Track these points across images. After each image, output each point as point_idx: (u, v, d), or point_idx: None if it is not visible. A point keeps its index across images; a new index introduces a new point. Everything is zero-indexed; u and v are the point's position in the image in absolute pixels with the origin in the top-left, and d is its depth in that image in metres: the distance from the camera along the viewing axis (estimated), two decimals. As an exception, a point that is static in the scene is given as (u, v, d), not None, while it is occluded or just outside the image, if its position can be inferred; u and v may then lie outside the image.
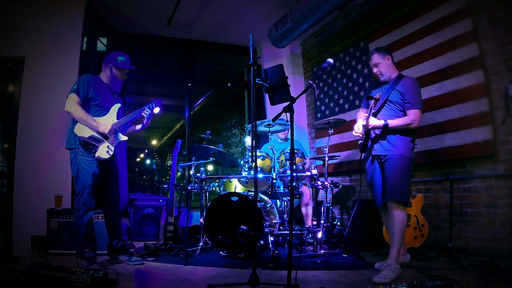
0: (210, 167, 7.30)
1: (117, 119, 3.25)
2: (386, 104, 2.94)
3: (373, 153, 2.98)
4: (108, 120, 3.19)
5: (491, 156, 3.33)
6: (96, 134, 3.09)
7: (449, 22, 3.64)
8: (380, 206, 2.99)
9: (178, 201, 4.52)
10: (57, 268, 2.44)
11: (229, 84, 6.55)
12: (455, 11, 3.60)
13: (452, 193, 3.38)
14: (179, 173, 7.41)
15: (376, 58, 3.01)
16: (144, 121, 3.36)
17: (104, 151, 3.12)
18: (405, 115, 2.89)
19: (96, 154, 3.09)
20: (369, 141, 3.00)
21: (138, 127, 3.48)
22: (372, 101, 2.89)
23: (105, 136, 3.14)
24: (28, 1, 4.26)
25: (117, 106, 3.29)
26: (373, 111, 2.93)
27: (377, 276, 2.63)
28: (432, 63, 3.82)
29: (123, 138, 3.30)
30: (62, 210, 3.71)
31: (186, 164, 4.85)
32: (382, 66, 2.99)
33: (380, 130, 2.89)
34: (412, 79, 2.96)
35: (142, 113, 3.32)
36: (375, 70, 3.02)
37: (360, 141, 3.03)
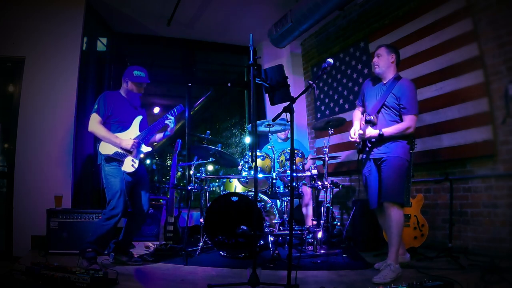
0: (210, 167, 7.30)
1: (140, 131, 3.32)
2: (382, 109, 2.95)
3: (370, 156, 2.99)
4: (131, 134, 3.27)
5: (491, 156, 3.33)
6: (120, 150, 3.19)
7: (449, 22, 3.64)
8: (375, 208, 2.99)
9: (178, 201, 4.52)
10: (57, 268, 2.44)
11: (229, 84, 6.55)
12: (455, 11, 3.60)
13: (452, 193, 3.38)
14: (179, 173, 7.41)
15: (381, 50, 3.03)
16: (169, 128, 3.39)
17: (129, 165, 3.20)
18: (401, 118, 2.91)
19: (122, 169, 3.18)
20: (366, 146, 3.03)
21: (159, 136, 3.50)
22: (364, 119, 2.97)
23: (129, 151, 3.21)
24: (28, 1, 4.26)
25: (138, 118, 3.36)
26: (368, 118, 2.96)
27: (377, 276, 2.63)
28: (432, 63, 3.82)
29: (147, 149, 3.35)
30: (62, 210, 3.71)
31: (186, 164, 4.86)
32: (383, 59, 3.00)
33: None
34: (409, 83, 2.94)
35: (166, 122, 3.36)
36: (375, 59, 3.04)
37: (356, 144, 3.05)
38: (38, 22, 4.27)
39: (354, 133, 3.02)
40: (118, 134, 3.24)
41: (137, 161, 3.25)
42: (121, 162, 3.20)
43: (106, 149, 3.19)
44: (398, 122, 2.91)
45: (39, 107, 4.15)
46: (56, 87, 4.23)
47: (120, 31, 5.66)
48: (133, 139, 3.23)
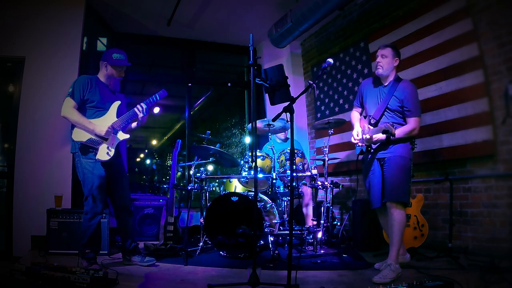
0: (210, 167, 7.30)
1: (117, 117, 3.16)
2: (385, 112, 2.95)
3: (374, 156, 2.99)
4: (107, 120, 3.11)
5: (491, 156, 3.33)
6: (94, 137, 3.04)
7: (449, 22, 3.64)
8: (377, 208, 2.99)
9: (178, 201, 4.52)
10: (57, 268, 2.44)
11: (229, 84, 6.55)
12: (455, 11, 3.60)
13: (452, 193, 3.38)
14: (179, 173, 7.41)
15: (387, 51, 2.98)
16: (139, 117, 3.19)
17: (104, 152, 3.05)
18: (404, 120, 2.92)
19: (97, 157, 3.04)
20: (371, 148, 3.03)
21: (134, 125, 3.34)
22: (368, 121, 2.99)
23: (104, 138, 3.08)
24: (28, 1, 4.26)
25: (116, 103, 3.19)
26: (373, 121, 2.96)
27: (377, 276, 2.63)
28: (432, 63, 3.81)
29: (124, 136, 3.19)
30: (62, 210, 3.70)
31: (186, 164, 4.86)
32: (387, 61, 2.97)
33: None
34: (411, 85, 2.94)
35: (135, 109, 3.16)
36: (378, 59, 2.99)
37: (358, 146, 3.05)
38: (38, 22, 4.26)
39: (357, 134, 3.01)
40: (94, 120, 3.07)
41: (112, 149, 3.08)
42: (95, 150, 3.04)
43: (79, 135, 3.02)
44: (401, 124, 2.92)
45: (39, 107, 4.14)
46: (56, 87, 4.22)
47: (120, 31, 5.66)
48: (109, 125, 3.07)
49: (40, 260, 2.72)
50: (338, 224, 4.11)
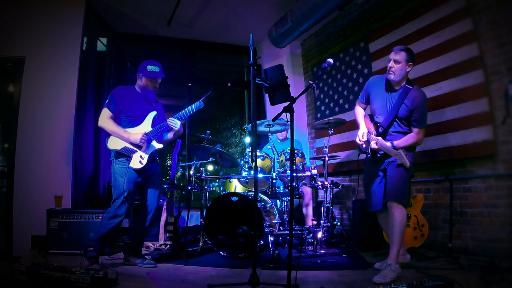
0: (210, 167, 7.30)
1: (152, 127, 3.24)
2: (394, 122, 2.93)
3: (378, 159, 2.99)
4: (142, 129, 3.20)
5: (491, 156, 3.33)
6: (129, 145, 3.13)
7: (449, 22, 3.64)
8: (378, 210, 2.99)
9: (178, 201, 4.52)
10: (57, 268, 2.44)
11: (229, 84, 6.55)
12: (455, 11, 3.60)
13: (452, 193, 3.38)
14: (179, 173, 7.40)
15: (401, 56, 2.83)
16: (175, 128, 3.22)
17: (137, 160, 3.13)
18: (409, 128, 2.92)
19: (130, 165, 3.11)
20: (377, 153, 3.01)
21: (170, 135, 3.36)
22: (376, 131, 2.99)
23: (138, 146, 3.15)
24: (28, 1, 4.27)
25: (152, 114, 3.28)
26: (381, 130, 2.96)
27: (377, 276, 2.63)
28: (432, 63, 3.82)
29: (158, 146, 3.25)
30: (62, 210, 3.71)
31: (186, 164, 4.86)
32: (400, 67, 2.85)
33: None
34: (423, 95, 2.87)
35: (168, 123, 3.20)
36: (390, 64, 2.86)
37: (360, 145, 3.04)
38: (38, 22, 4.27)
39: (363, 136, 2.98)
40: (129, 129, 3.18)
41: (146, 157, 3.16)
42: (129, 158, 3.13)
43: (114, 144, 3.14)
44: (406, 132, 2.92)
45: (39, 107, 4.15)
46: (56, 87, 4.23)
47: (120, 31, 5.66)
48: (143, 133, 3.16)
49: (40, 260, 2.72)
50: (338, 224, 4.11)
